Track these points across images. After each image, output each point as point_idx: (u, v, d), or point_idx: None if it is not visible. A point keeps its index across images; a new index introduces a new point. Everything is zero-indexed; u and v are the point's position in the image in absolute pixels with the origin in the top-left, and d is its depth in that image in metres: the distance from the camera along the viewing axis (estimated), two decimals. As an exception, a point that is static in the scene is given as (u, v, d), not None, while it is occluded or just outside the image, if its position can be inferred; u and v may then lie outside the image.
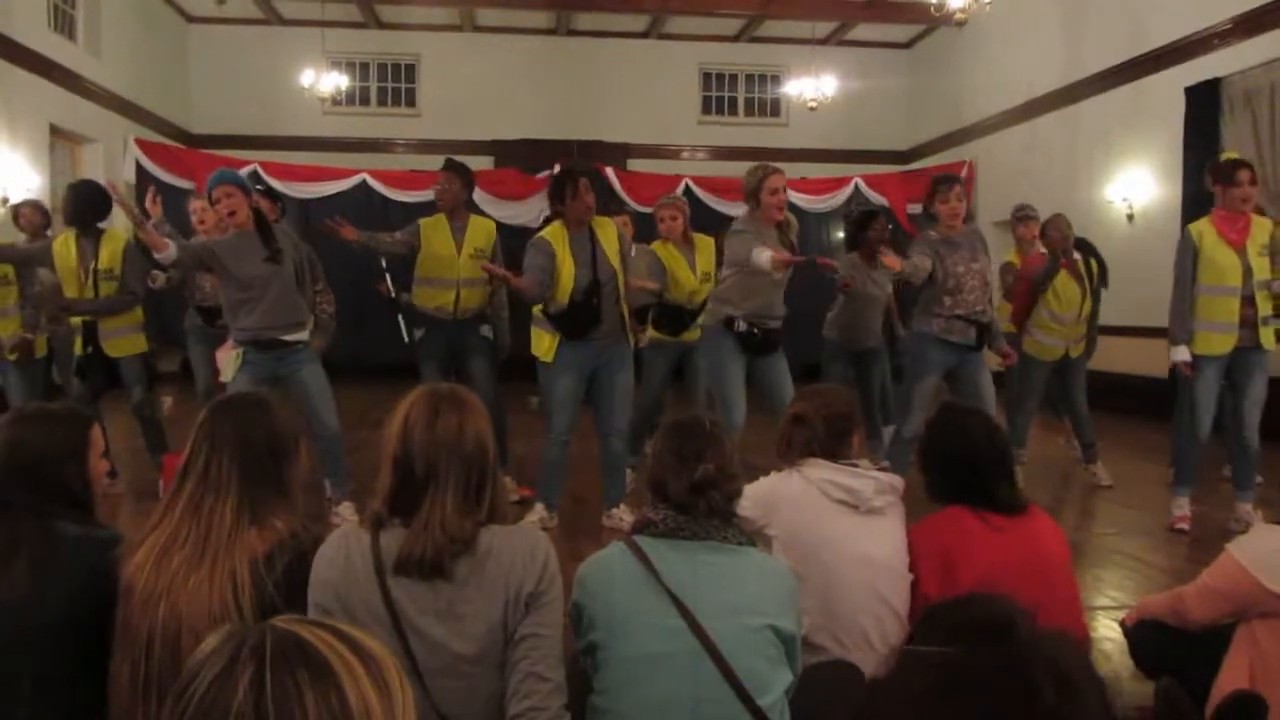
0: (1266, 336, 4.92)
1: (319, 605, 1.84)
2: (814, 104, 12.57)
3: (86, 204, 5.58)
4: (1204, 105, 8.40)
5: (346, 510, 4.87)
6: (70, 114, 10.39)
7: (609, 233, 4.94)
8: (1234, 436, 5.03)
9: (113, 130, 11.28)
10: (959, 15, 8.94)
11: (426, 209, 9.53)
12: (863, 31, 13.66)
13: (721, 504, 2.10)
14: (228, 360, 4.86)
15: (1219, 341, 4.88)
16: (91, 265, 5.52)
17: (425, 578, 1.82)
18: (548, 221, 5.22)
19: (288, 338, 4.79)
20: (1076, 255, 6.10)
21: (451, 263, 5.47)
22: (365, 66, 13.95)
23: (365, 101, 14.02)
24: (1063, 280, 6.01)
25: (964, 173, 12.22)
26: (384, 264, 6.54)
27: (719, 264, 5.47)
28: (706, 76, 14.59)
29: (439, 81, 13.84)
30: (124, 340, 5.66)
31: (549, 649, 1.83)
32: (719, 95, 14.70)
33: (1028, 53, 11.31)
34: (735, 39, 14.18)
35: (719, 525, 2.08)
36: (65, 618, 1.94)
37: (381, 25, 13.52)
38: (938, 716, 0.87)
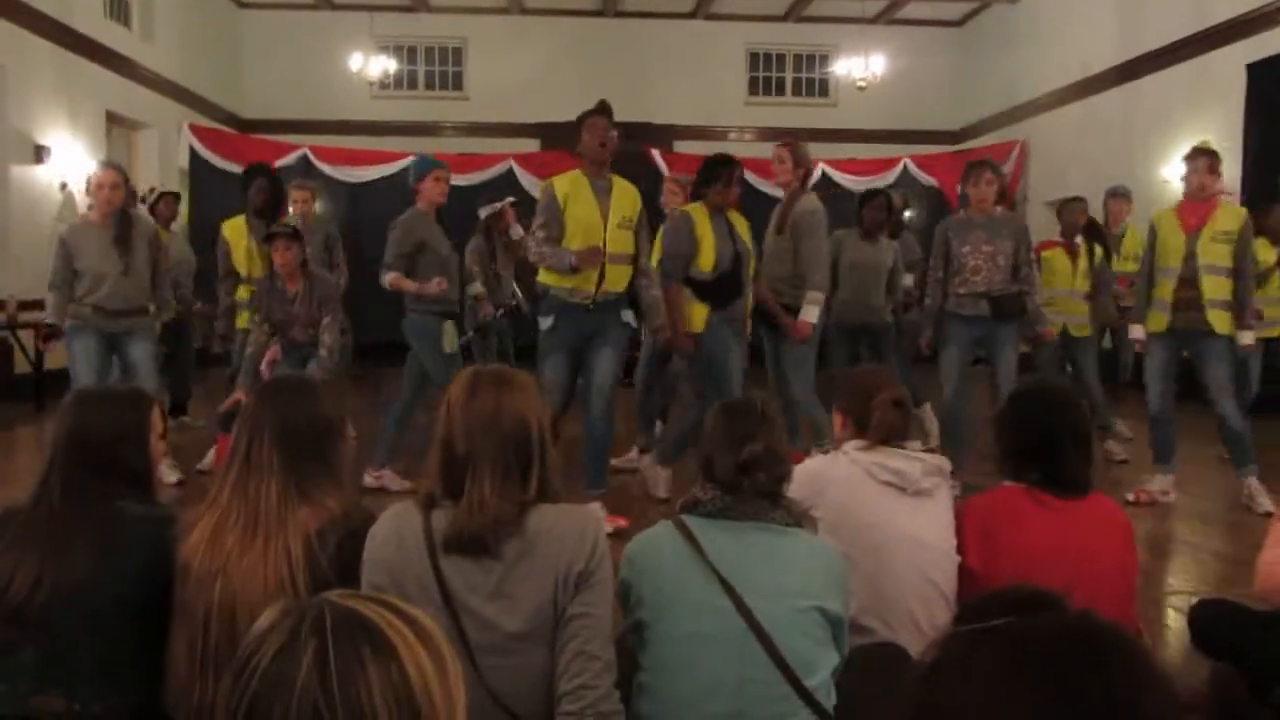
0: (1218, 321, 4.98)
1: (372, 584, 1.86)
2: (863, 84, 12.41)
3: (281, 197, 6.29)
4: (1267, 82, 8.19)
5: (387, 475, 5.22)
6: (126, 100, 10.58)
7: (738, 220, 5.21)
8: (1217, 422, 5.20)
9: (167, 116, 11.47)
10: (1012, -9, 8.79)
11: (475, 192, 9.64)
12: (913, 9, 13.45)
13: (769, 485, 2.09)
14: (445, 332, 5.19)
15: (1156, 319, 5.21)
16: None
17: (471, 556, 1.83)
18: None
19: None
20: (1079, 239, 6.47)
21: (596, 232, 4.55)
22: (413, 50, 14.03)
23: (413, 85, 14.11)
24: (1057, 257, 6.43)
25: (1015, 153, 12.02)
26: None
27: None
28: (754, 57, 14.47)
29: (486, 65, 13.88)
30: None
31: (598, 628, 1.84)
32: (766, 76, 14.57)
33: (1083, 29, 11.07)
34: (783, 18, 14.04)
35: (767, 506, 2.07)
36: (128, 597, 1.97)
37: (430, 9, 13.58)
38: (1007, 690, 0.86)
